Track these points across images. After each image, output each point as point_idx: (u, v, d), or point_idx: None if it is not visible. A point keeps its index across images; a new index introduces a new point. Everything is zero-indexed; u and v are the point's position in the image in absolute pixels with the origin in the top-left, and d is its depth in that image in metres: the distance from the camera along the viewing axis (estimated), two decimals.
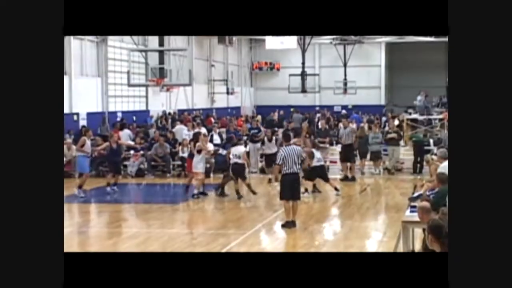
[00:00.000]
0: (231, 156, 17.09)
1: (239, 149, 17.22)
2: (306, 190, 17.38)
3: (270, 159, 20.31)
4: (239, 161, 16.96)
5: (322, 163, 18.08)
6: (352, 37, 46.15)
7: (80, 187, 17.62)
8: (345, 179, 20.44)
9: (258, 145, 22.16)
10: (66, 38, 28.47)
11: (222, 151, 18.27)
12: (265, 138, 21.76)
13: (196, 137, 18.00)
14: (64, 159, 21.61)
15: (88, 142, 18.24)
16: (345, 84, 50.47)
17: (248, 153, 21.68)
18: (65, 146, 21.84)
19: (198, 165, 17.26)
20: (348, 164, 21.00)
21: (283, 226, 13.42)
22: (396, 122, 27.17)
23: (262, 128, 25.26)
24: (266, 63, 53.40)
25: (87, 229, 14.32)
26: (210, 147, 19.82)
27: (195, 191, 17.30)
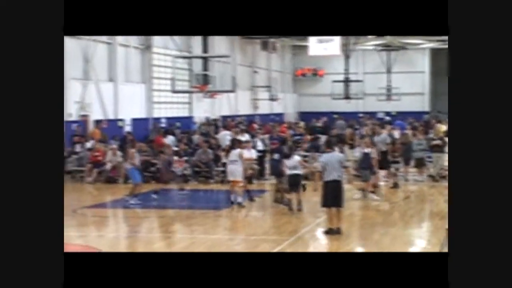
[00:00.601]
0: (286, 169, 16.11)
1: (294, 159, 16.18)
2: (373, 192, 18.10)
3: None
4: (296, 171, 16.03)
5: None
6: (396, 43, 45.82)
7: (131, 194, 17.82)
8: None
9: (301, 151, 22.16)
10: (113, 45, 28.96)
11: (277, 156, 17.67)
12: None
13: (234, 144, 17.87)
14: (110, 164, 21.96)
15: (137, 154, 18.56)
16: (389, 90, 50.14)
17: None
18: (110, 152, 22.20)
19: (236, 172, 16.98)
20: (384, 171, 20.76)
21: (326, 233, 13.39)
22: (445, 127, 26.71)
23: (305, 135, 25.28)
24: (309, 70, 53.39)
25: (133, 234, 14.49)
26: (249, 154, 19.78)
27: (239, 199, 17.03)
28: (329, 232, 13.29)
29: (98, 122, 27.71)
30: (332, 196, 13.19)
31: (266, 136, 26.36)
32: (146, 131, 30.11)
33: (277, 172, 17.07)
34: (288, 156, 16.30)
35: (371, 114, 44.50)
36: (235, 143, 17.89)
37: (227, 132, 26.36)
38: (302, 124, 34.59)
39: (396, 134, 23.92)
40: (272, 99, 46.96)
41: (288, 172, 15.99)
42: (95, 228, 15.11)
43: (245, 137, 24.18)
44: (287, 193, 16.29)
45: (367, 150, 18.13)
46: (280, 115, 49.16)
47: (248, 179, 20.85)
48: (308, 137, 25.19)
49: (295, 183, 16.00)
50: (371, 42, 47.19)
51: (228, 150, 17.07)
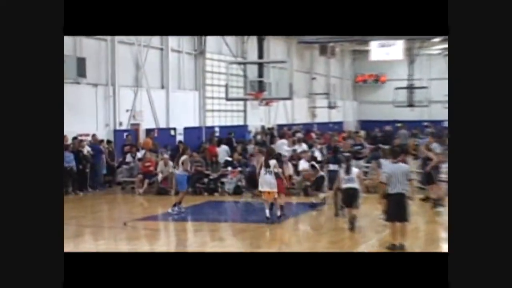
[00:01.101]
0: (342, 181, 15.73)
1: (352, 172, 15.66)
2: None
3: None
4: (353, 185, 15.51)
5: None
6: None
7: (175, 205, 18.01)
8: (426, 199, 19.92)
9: (362, 162, 22.03)
10: (164, 51, 29.32)
11: (334, 166, 17.40)
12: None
13: (271, 154, 17.50)
14: (161, 175, 22.21)
15: (189, 161, 18.77)
16: None
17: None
18: (161, 162, 22.46)
19: (269, 183, 16.44)
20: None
21: (388, 248, 13.24)
22: None
23: (365, 144, 25.11)
24: (370, 76, 53.11)
25: (183, 248, 14.60)
26: (306, 165, 19.65)
27: (278, 213, 16.66)
28: (392, 247, 13.14)
29: (149, 131, 28.06)
30: (397, 209, 13.02)
31: (325, 146, 26.29)
32: (199, 141, 30.34)
33: (333, 182, 16.85)
34: (346, 168, 15.87)
35: (437, 123, 43.93)
36: (272, 153, 17.51)
37: (284, 142, 26.41)
38: (362, 133, 34.35)
39: None
40: (331, 106, 46.87)
41: (344, 185, 15.65)
42: (146, 242, 15.27)
43: (302, 147, 24.22)
44: (344, 207, 16.12)
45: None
46: (339, 123, 48.99)
47: (305, 191, 20.87)
48: (369, 147, 25.01)
49: (351, 197, 15.57)
50: (436, 46, 46.61)
51: (265, 160, 16.72)
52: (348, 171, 15.71)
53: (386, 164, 14.65)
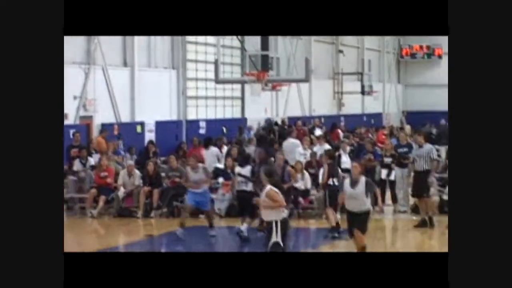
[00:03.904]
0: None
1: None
2: None
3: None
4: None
5: None
6: None
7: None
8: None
9: (406, 170, 21.94)
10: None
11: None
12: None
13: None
14: (123, 190, 22.19)
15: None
16: None
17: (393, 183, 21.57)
18: (123, 171, 22.52)
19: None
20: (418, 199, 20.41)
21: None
22: None
23: (414, 145, 25.05)
24: (421, 47, 53.08)
25: None
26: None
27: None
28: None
29: (106, 126, 27.99)
30: None
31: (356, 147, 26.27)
32: (177, 140, 30.32)
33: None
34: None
35: None
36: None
37: (296, 142, 26.21)
38: (409, 129, 34.32)
39: None
40: (365, 92, 46.78)
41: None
42: None
43: (324, 148, 24.06)
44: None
45: None
46: (377, 116, 48.97)
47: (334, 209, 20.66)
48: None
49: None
50: None
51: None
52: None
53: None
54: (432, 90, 51.70)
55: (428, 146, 20.22)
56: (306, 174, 21.57)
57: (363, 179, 15.16)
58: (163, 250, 17.65)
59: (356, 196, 15.12)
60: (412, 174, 20.40)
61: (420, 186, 19.58)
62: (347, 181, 15.63)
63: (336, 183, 17.27)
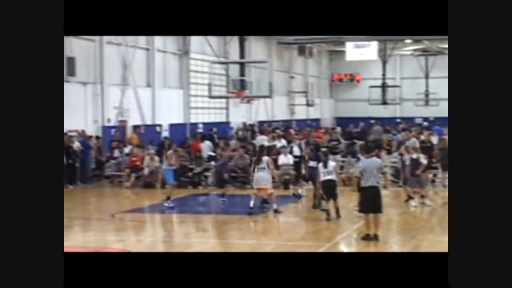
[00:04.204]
0: (321, 175, 15.80)
1: (329, 166, 15.81)
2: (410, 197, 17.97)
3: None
4: (331, 177, 15.66)
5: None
6: (434, 48, 45.38)
7: (168, 198, 17.87)
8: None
9: (338, 157, 22.04)
10: (150, 51, 29.21)
11: (314, 163, 17.37)
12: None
13: (263, 151, 17.54)
14: (147, 169, 22.10)
15: (174, 155, 18.68)
16: (427, 95, 49.65)
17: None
18: (148, 157, 22.35)
19: (263, 180, 16.53)
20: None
21: (363, 238, 13.28)
22: None
23: (341, 140, 25.12)
24: (346, 75, 53.11)
25: (169, 239, 14.55)
26: (286, 159, 19.78)
27: (275, 206, 16.76)
28: (366, 238, 13.19)
29: (136, 127, 27.97)
30: (371, 201, 13.11)
31: (303, 141, 26.30)
32: (184, 137, 30.26)
33: (314, 178, 16.95)
34: (324, 162, 15.96)
35: (409, 120, 44.05)
36: (264, 150, 17.60)
37: (264, 137, 26.34)
38: (339, 129, 34.38)
39: (434, 139, 23.62)
40: (309, 104, 46.80)
41: (323, 178, 15.75)
42: (133, 233, 15.21)
43: (281, 142, 24.18)
44: (324, 199, 16.12)
45: (415, 156, 17.82)
46: (316, 120, 49.03)
47: (285, 185, 20.87)
48: (344, 142, 25.04)
49: (331, 189, 15.73)
50: (408, 47, 46.83)
51: (257, 158, 16.80)
52: (326, 165, 15.84)
53: (362, 159, 14.66)
54: (353, 103, 52.05)
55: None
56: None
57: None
58: (174, 210, 17.62)
59: (328, 172, 15.76)
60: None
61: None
62: (320, 164, 16.02)
63: (315, 166, 16.81)
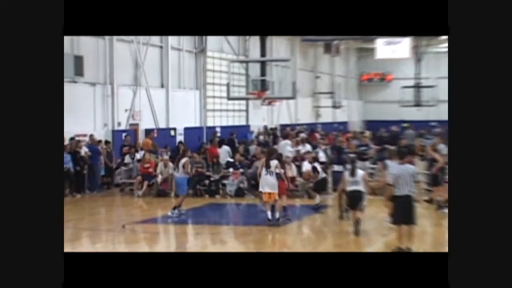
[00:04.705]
0: (347, 184, 15.56)
1: (357, 174, 15.55)
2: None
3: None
4: (358, 188, 15.39)
5: None
6: None
7: (174, 208, 17.95)
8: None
9: (368, 163, 21.97)
10: (164, 49, 29.30)
11: (338, 167, 17.17)
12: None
13: (271, 155, 17.48)
14: (161, 177, 22.17)
15: (189, 163, 18.72)
16: None
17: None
18: (161, 163, 22.43)
19: (269, 184, 16.49)
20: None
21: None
22: None
23: (371, 145, 25.06)
24: (376, 74, 53.03)
25: (184, 250, 14.57)
26: (308, 166, 19.76)
27: (277, 215, 16.56)
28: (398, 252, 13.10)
29: (148, 131, 28.02)
30: (404, 212, 13.00)
31: (329, 146, 26.26)
32: (200, 141, 30.31)
33: (337, 183, 16.84)
34: (351, 170, 15.67)
35: (445, 123, 43.70)
36: (273, 153, 17.50)
37: (287, 142, 26.33)
38: (368, 133, 34.29)
39: None
40: (336, 106, 46.80)
41: (349, 188, 15.51)
42: (145, 245, 15.26)
43: (306, 147, 24.15)
44: (349, 210, 15.99)
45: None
46: (344, 123, 48.94)
47: (308, 193, 20.83)
48: (374, 147, 24.96)
49: (356, 200, 15.41)
50: (444, 44, 46.54)
51: (266, 161, 16.73)
52: (353, 173, 15.59)
53: (393, 166, 14.58)
54: (384, 105, 51.86)
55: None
56: (293, 165, 21.57)
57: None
58: (189, 221, 17.65)
59: (355, 182, 15.48)
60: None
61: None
62: (347, 172, 15.83)
63: (340, 170, 16.97)
